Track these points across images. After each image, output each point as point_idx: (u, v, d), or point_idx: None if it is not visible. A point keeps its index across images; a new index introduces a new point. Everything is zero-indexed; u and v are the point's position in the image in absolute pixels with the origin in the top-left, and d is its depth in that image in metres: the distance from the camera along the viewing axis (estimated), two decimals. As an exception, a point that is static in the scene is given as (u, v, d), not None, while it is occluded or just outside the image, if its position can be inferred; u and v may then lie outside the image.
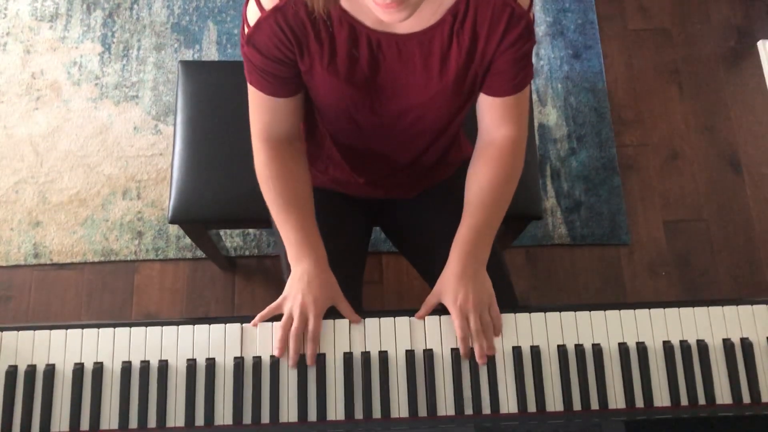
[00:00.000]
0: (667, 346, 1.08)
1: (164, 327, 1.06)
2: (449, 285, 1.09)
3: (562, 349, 1.07)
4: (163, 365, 1.03)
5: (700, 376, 1.06)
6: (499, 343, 1.07)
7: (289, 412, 1.02)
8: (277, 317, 1.07)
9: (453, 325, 1.07)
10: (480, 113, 1.15)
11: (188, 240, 1.95)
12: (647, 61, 2.28)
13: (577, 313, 1.09)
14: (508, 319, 1.09)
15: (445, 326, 1.08)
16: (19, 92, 2.13)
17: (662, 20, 2.34)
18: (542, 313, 1.09)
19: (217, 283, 1.95)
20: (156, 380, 1.03)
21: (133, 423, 1.01)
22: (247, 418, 1.02)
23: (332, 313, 1.09)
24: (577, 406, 1.04)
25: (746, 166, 2.16)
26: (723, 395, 1.06)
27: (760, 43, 2.30)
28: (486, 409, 1.03)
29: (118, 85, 2.15)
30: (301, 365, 1.04)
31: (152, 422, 1.01)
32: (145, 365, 1.03)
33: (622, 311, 1.10)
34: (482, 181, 1.14)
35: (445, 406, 1.03)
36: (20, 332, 1.05)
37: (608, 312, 1.10)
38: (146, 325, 1.06)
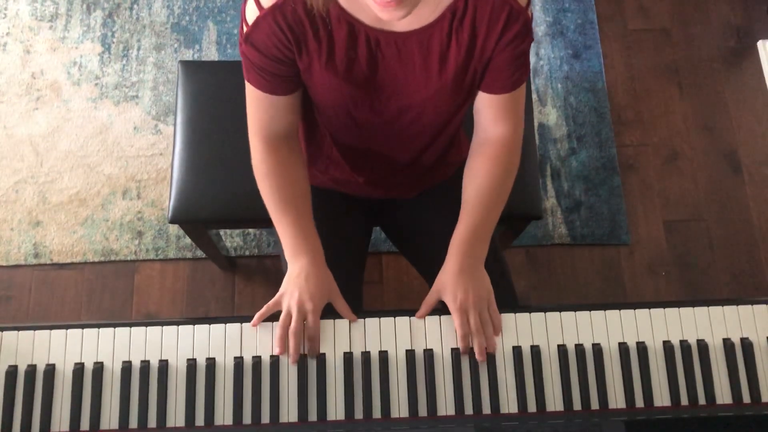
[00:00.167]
0: (667, 346, 1.08)
1: (164, 327, 1.06)
2: (449, 283, 1.09)
3: (562, 349, 1.07)
4: (163, 365, 1.03)
5: (700, 376, 1.06)
6: (499, 343, 1.07)
7: (289, 412, 1.02)
8: (276, 317, 1.07)
9: (453, 325, 1.07)
10: (476, 111, 1.15)
11: (188, 240, 1.95)
12: (647, 61, 2.28)
13: (577, 313, 1.09)
14: (508, 318, 1.09)
15: (445, 326, 1.08)
16: (19, 92, 2.13)
17: (662, 20, 2.34)
18: (542, 313, 1.09)
19: (217, 283, 1.95)
20: (156, 380, 1.03)
21: (133, 423, 1.01)
22: (247, 418, 1.02)
23: (332, 313, 1.09)
24: (577, 406, 1.04)
25: (746, 166, 2.16)
26: (723, 395, 1.06)
27: (760, 43, 2.30)
28: (486, 409, 1.03)
29: (118, 85, 2.15)
30: (301, 365, 1.04)
31: (152, 422, 1.01)
32: (145, 365, 1.03)
33: (622, 311, 1.10)
34: (480, 179, 1.14)
35: (445, 406, 1.03)
36: (20, 332, 1.05)
37: (608, 312, 1.10)
38: (146, 325, 1.06)
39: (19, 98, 2.13)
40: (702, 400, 1.05)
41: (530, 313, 1.09)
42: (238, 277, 1.96)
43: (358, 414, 1.02)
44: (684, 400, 1.05)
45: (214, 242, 1.73)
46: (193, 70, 1.59)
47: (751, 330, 1.09)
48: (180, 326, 1.06)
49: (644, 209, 2.09)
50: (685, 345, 1.08)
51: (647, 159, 2.15)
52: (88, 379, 1.03)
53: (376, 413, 1.03)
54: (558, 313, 1.09)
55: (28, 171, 2.04)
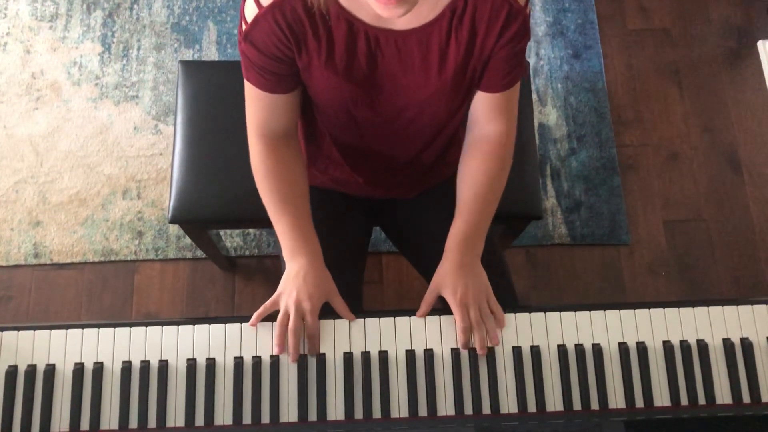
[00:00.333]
0: (667, 346, 1.08)
1: (164, 327, 1.06)
2: (448, 279, 1.09)
3: (562, 349, 1.07)
4: (163, 365, 1.03)
5: (700, 376, 1.06)
6: (499, 343, 1.07)
7: (289, 412, 1.02)
8: (275, 316, 1.07)
9: (453, 325, 1.07)
10: (471, 108, 1.15)
11: (188, 240, 1.95)
12: (647, 61, 2.28)
13: (577, 313, 1.09)
14: (508, 319, 1.09)
15: (445, 326, 1.08)
16: (19, 92, 2.13)
17: (662, 20, 2.34)
18: (542, 313, 1.09)
19: (217, 283, 1.95)
20: (156, 380, 1.03)
21: (133, 423, 1.01)
22: (247, 418, 1.02)
23: (332, 313, 1.09)
24: (577, 406, 1.04)
25: (746, 166, 2.16)
26: (723, 395, 1.06)
27: (760, 43, 2.30)
28: (486, 409, 1.03)
29: (118, 85, 2.15)
30: (301, 365, 1.04)
31: (152, 422, 1.01)
32: (145, 365, 1.03)
33: (622, 311, 1.10)
34: (476, 176, 1.14)
35: (445, 406, 1.03)
36: (20, 332, 1.05)
37: (608, 312, 1.10)
38: (146, 325, 1.06)
39: (19, 98, 2.13)
40: (702, 400, 1.05)
41: (530, 313, 1.09)
42: (238, 277, 1.96)
43: (358, 414, 1.02)
44: (684, 400, 1.05)
45: (214, 242, 1.73)
46: (193, 70, 1.59)
47: (751, 330, 1.09)
48: (180, 326, 1.06)
49: (644, 209, 2.09)
50: (685, 345, 1.08)
51: (647, 159, 2.15)
52: (88, 379, 1.03)
53: (376, 413, 1.03)
54: (558, 313, 1.09)
55: (28, 171, 2.04)
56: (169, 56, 2.20)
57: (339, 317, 1.09)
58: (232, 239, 1.98)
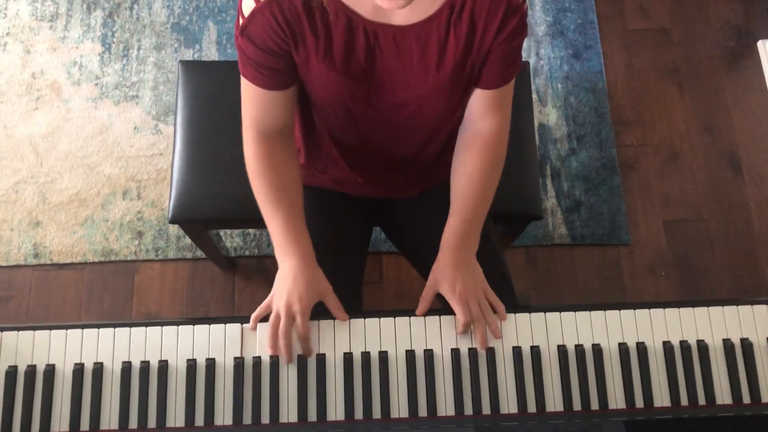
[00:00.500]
0: (667, 346, 1.08)
1: (164, 327, 1.06)
2: (445, 275, 1.09)
3: (562, 349, 1.07)
4: (163, 365, 1.03)
5: (700, 376, 1.06)
6: (499, 343, 1.07)
7: (289, 412, 1.02)
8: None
9: (453, 325, 1.07)
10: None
11: (188, 240, 1.95)
12: (647, 61, 2.28)
13: (577, 313, 1.09)
14: (508, 319, 1.09)
15: (445, 326, 1.08)
16: (19, 92, 2.13)
17: (662, 20, 2.34)
18: (542, 313, 1.09)
19: (217, 283, 1.95)
20: (156, 380, 1.03)
21: (133, 423, 1.01)
22: (247, 418, 1.02)
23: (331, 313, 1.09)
24: (577, 406, 1.04)
25: (746, 166, 2.16)
26: (723, 395, 1.06)
27: (760, 43, 2.30)
28: (486, 410, 1.03)
29: (118, 85, 2.15)
30: (301, 365, 1.04)
31: (152, 422, 1.01)
32: (145, 365, 1.03)
33: (622, 311, 1.10)
34: (470, 172, 1.15)
35: (445, 406, 1.03)
36: (20, 332, 1.05)
37: (608, 312, 1.10)
38: (146, 325, 1.06)
39: (19, 98, 2.13)
40: (702, 401, 1.05)
41: (530, 313, 1.09)
42: (238, 277, 1.96)
43: (358, 414, 1.02)
44: (684, 401, 1.05)
45: (214, 242, 1.73)
46: (193, 70, 1.58)
47: (751, 330, 1.09)
48: (180, 326, 1.06)
49: (644, 209, 2.09)
50: (685, 345, 1.08)
51: (647, 159, 2.15)
52: (88, 379, 1.03)
53: (376, 413, 1.03)
54: (558, 313, 1.09)
55: (28, 171, 2.04)
56: (169, 56, 2.20)
57: (339, 317, 1.09)
58: (232, 239, 1.98)
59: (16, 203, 2.00)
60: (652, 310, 1.10)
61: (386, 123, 1.15)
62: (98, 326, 1.06)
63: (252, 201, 1.16)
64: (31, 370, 1.03)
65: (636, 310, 1.10)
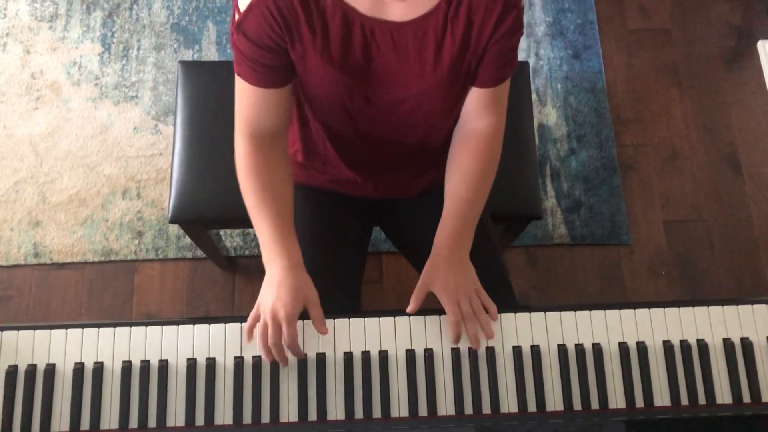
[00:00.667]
0: (667, 346, 1.08)
1: (164, 327, 1.06)
2: (438, 273, 1.09)
3: (562, 349, 1.07)
4: (163, 365, 1.03)
5: (701, 376, 1.06)
6: (499, 343, 1.07)
7: (289, 412, 1.02)
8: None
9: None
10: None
11: (188, 240, 1.95)
12: (647, 61, 2.28)
13: (577, 313, 1.09)
14: (508, 319, 1.09)
15: (445, 326, 1.08)
16: (19, 92, 2.13)
17: (662, 20, 2.34)
18: (542, 313, 1.09)
19: (217, 283, 1.95)
20: (156, 380, 1.03)
21: (133, 423, 1.01)
22: (247, 418, 1.02)
23: (333, 313, 1.09)
24: (577, 406, 1.04)
25: (746, 166, 2.16)
26: (723, 395, 1.06)
27: (760, 43, 2.30)
28: (486, 409, 1.03)
29: (117, 85, 2.15)
30: (300, 365, 1.04)
31: (152, 422, 1.01)
32: (145, 365, 1.03)
33: (622, 311, 1.10)
34: (465, 171, 1.15)
35: (445, 406, 1.03)
36: (20, 332, 1.05)
37: (608, 312, 1.10)
38: (146, 325, 1.06)
39: (19, 98, 2.13)
40: (702, 400, 1.05)
41: (530, 313, 1.09)
42: (238, 277, 1.96)
43: (358, 414, 1.02)
44: (684, 400, 1.05)
45: (214, 242, 1.73)
46: (193, 70, 1.59)
47: (751, 330, 1.09)
48: (180, 326, 1.06)
49: (644, 209, 2.09)
50: (685, 345, 1.08)
51: (647, 159, 2.15)
52: (88, 379, 1.03)
53: (376, 413, 1.03)
54: (558, 313, 1.09)
55: (28, 171, 2.04)
56: (169, 56, 2.20)
57: (339, 317, 1.08)
58: (232, 239, 1.98)
59: (16, 203, 2.00)
60: (652, 309, 1.10)
61: (383, 121, 1.15)
62: (98, 326, 1.06)
63: (252, 201, 1.15)
64: (31, 370, 1.03)
65: (636, 310, 1.10)
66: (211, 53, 2.21)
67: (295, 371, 1.04)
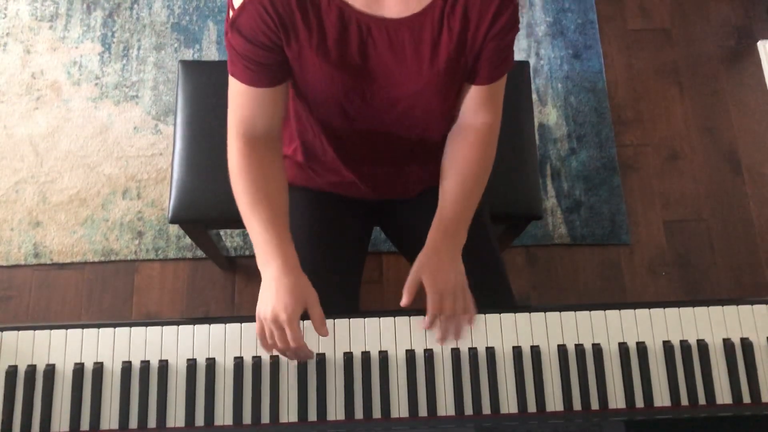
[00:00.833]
0: (667, 346, 1.08)
1: (164, 327, 1.06)
2: (429, 263, 1.09)
3: (562, 349, 1.07)
4: (163, 365, 1.03)
5: (700, 376, 1.06)
6: (499, 343, 1.07)
7: (289, 412, 1.02)
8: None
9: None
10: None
11: (188, 240, 1.95)
12: (647, 61, 2.28)
13: (577, 313, 1.09)
14: (508, 319, 1.09)
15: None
16: (19, 92, 2.13)
17: (662, 20, 2.34)
18: (542, 313, 1.09)
19: (217, 283, 1.95)
20: (156, 380, 1.03)
21: (133, 423, 1.01)
22: (247, 418, 1.02)
23: (332, 313, 1.09)
24: (577, 406, 1.04)
25: (746, 166, 2.16)
26: (723, 395, 1.06)
27: (760, 43, 2.30)
28: (486, 409, 1.03)
29: (118, 85, 2.15)
30: (300, 365, 1.04)
31: (152, 422, 1.01)
32: (145, 365, 1.03)
33: (622, 311, 1.10)
34: (460, 167, 1.15)
35: (445, 406, 1.03)
36: (20, 332, 1.05)
37: (608, 312, 1.10)
38: (146, 325, 1.06)
39: (19, 98, 2.13)
40: (702, 400, 1.05)
41: (530, 313, 1.09)
42: (238, 277, 1.96)
43: (358, 414, 1.02)
44: (684, 400, 1.05)
45: (214, 242, 1.73)
46: (193, 70, 1.59)
47: (751, 330, 1.09)
48: (180, 326, 1.06)
49: (644, 209, 2.09)
50: (685, 345, 1.08)
51: (647, 159, 2.15)
52: (88, 379, 1.03)
53: (376, 413, 1.03)
54: (558, 313, 1.09)
55: (28, 171, 2.04)
56: (169, 56, 2.20)
57: (339, 317, 1.08)
58: (232, 239, 1.98)
59: (16, 203, 2.00)
60: (652, 310, 1.10)
61: (380, 119, 1.14)
62: (98, 326, 1.06)
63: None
64: (31, 370, 1.03)
65: (636, 310, 1.10)
66: (211, 53, 2.21)
67: (295, 371, 1.04)
